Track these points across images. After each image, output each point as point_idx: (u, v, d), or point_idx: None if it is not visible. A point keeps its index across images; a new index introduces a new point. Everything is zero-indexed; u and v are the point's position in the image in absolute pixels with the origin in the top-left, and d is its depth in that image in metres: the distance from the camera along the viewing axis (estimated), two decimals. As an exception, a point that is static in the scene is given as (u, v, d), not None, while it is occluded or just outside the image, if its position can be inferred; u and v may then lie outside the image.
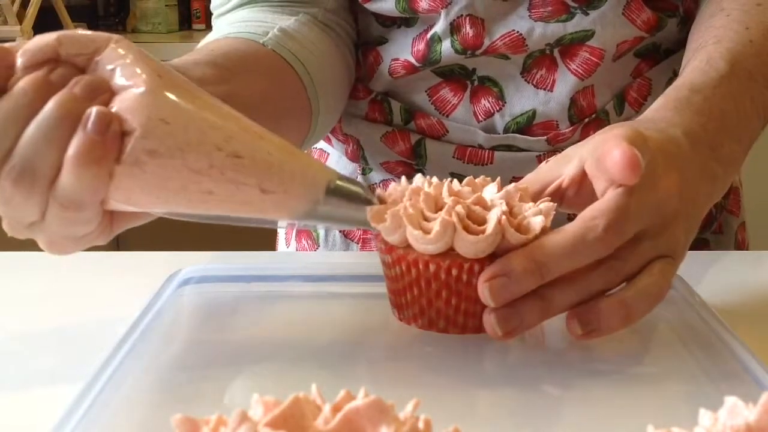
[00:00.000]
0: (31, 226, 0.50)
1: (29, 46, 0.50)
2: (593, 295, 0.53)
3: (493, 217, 0.52)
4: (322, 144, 0.93)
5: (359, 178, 0.88)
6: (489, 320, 0.52)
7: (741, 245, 0.91)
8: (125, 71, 0.50)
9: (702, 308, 0.60)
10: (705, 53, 0.70)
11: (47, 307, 0.66)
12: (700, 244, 0.87)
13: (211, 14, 0.83)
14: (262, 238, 1.21)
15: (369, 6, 0.82)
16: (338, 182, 0.53)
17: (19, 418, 0.51)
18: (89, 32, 0.51)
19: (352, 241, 0.90)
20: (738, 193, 0.92)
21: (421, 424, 0.35)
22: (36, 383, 0.55)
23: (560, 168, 0.58)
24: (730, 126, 0.64)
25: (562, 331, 0.55)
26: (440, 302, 0.54)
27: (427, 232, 0.52)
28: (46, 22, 2.52)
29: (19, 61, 0.50)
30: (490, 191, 0.55)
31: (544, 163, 0.59)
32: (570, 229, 0.52)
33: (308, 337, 0.60)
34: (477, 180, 0.56)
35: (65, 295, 0.67)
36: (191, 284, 0.66)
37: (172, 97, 0.50)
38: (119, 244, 2.56)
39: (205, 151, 0.50)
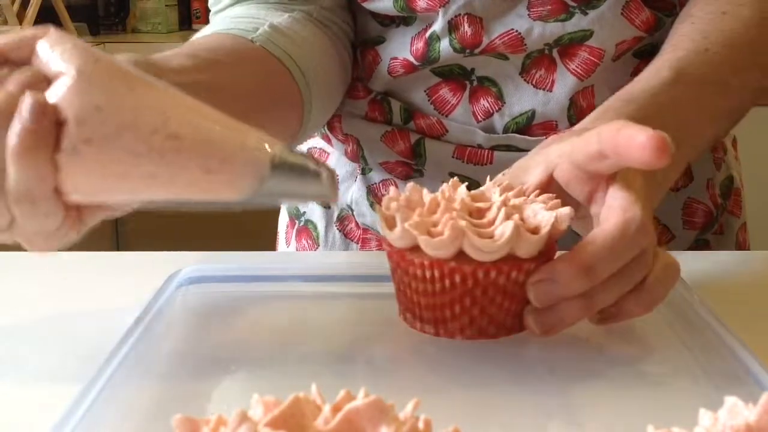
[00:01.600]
0: (8, 229, 0.51)
1: None
2: (626, 290, 0.54)
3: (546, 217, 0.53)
4: (321, 144, 0.93)
5: (359, 178, 0.88)
6: (529, 318, 0.54)
7: (742, 246, 0.92)
8: (61, 57, 0.50)
9: (702, 308, 0.60)
10: (656, 61, 0.72)
11: (47, 307, 0.66)
12: (701, 244, 0.87)
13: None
14: (263, 238, 1.21)
15: (367, 5, 0.82)
16: (283, 155, 0.51)
17: (19, 418, 0.51)
18: (31, 28, 0.52)
19: (352, 240, 0.90)
20: (739, 193, 0.92)
21: (421, 424, 0.35)
22: (36, 383, 0.55)
23: (520, 178, 0.58)
24: (667, 133, 0.64)
25: (562, 332, 0.55)
26: (494, 308, 0.54)
27: (490, 237, 0.52)
28: (46, 22, 2.51)
29: None
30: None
31: (500, 175, 0.60)
32: (609, 228, 0.53)
33: (308, 337, 0.60)
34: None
35: (65, 295, 0.67)
36: (191, 284, 0.66)
37: (105, 82, 0.49)
38: (119, 244, 2.56)
39: (141, 134, 0.49)
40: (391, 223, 0.53)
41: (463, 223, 0.51)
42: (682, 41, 0.73)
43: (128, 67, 0.52)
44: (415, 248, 0.53)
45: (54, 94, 0.49)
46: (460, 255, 0.52)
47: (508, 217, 0.53)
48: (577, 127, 0.65)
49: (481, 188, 0.57)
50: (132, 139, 0.49)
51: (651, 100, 0.66)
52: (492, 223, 0.53)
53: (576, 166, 0.56)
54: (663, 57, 0.72)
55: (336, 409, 0.35)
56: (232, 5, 0.81)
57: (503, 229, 0.52)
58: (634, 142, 0.52)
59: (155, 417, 0.50)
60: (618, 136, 0.53)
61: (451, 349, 0.56)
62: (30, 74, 0.50)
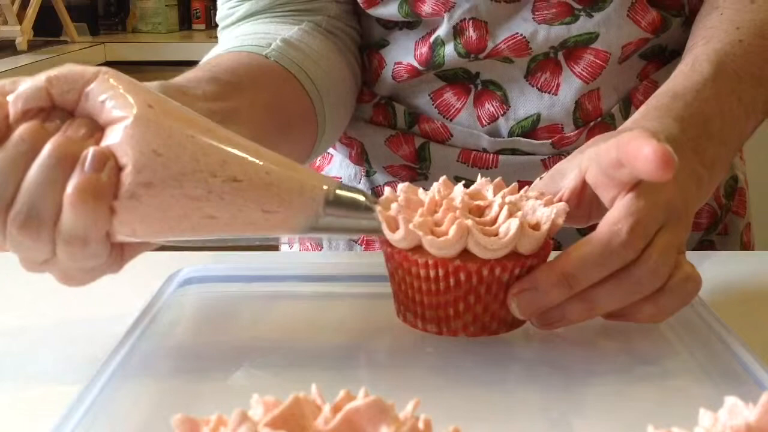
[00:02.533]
0: (44, 263, 0.52)
1: (21, 93, 0.51)
2: (635, 299, 0.53)
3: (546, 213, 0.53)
4: (325, 147, 0.93)
5: (362, 181, 0.88)
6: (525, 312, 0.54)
7: (746, 246, 0.91)
8: (116, 102, 0.50)
9: (702, 308, 0.60)
10: (692, 56, 0.70)
11: (47, 307, 0.66)
12: (705, 245, 0.87)
13: (210, 14, 0.84)
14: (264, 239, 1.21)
15: (372, 11, 0.81)
16: (337, 192, 0.53)
17: (20, 418, 0.51)
18: (78, 66, 0.52)
19: (356, 242, 0.89)
20: (744, 194, 0.92)
21: (421, 424, 0.35)
22: (36, 383, 0.55)
23: (556, 183, 0.58)
24: (713, 129, 0.64)
25: (562, 332, 0.55)
26: (496, 304, 0.54)
27: (494, 234, 0.52)
28: (46, 22, 2.52)
29: (12, 110, 0.51)
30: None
31: (538, 180, 0.59)
32: (594, 238, 0.53)
33: (308, 337, 0.60)
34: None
35: (65, 295, 0.67)
36: (191, 284, 0.66)
37: (163, 126, 0.50)
38: (119, 244, 2.56)
39: (201, 178, 0.50)
40: (393, 225, 0.53)
41: (468, 221, 0.52)
42: (715, 33, 0.72)
43: (180, 106, 0.52)
44: (418, 248, 0.53)
45: (111, 140, 0.49)
46: (464, 253, 0.52)
47: (510, 214, 0.53)
48: (621, 126, 0.64)
49: (475, 186, 0.56)
50: (191, 182, 0.50)
51: (695, 96, 0.65)
52: (495, 221, 0.53)
53: (602, 171, 0.55)
54: (697, 50, 0.70)
55: (336, 409, 0.35)
56: (241, 21, 0.81)
57: (508, 227, 0.52)
58: (640, 153, 0.52)
59: (155, 417, 0.50)
60: (629, 146, 0.53)
61: (451, 349, 0.56)
62: (87, 121, 0.51)
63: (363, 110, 0.86)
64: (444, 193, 0.55)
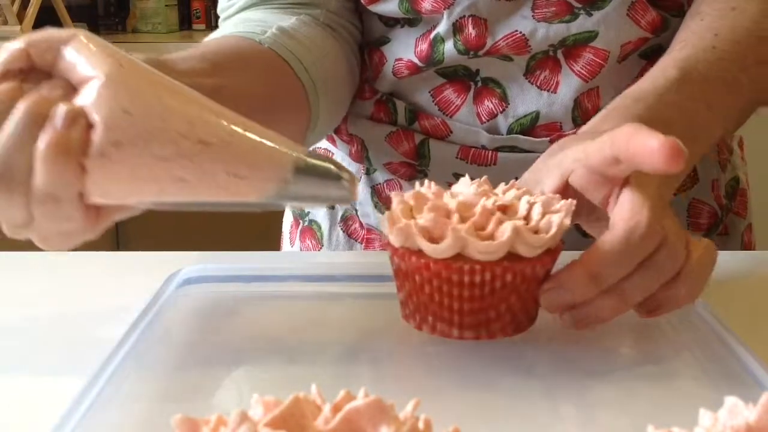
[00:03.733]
0: (24, 226, 0.52)
1: (0, 56, 0.51)
2: (660, 284, 0.54)
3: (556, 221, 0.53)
4: (326, 144, 0.93)
5: (363, 179, 0.88)
6: (565, 314, 0.54)
7: (747, 247, 0.91)
8: (88, 61, 0.50)
9: (702, 308, 0.60)
10: (664, 60, 0.71)
11: (47, 306, 0.66)
12: None
13: (210, 14, 0.84)
14: (265, 238, 1.21)
15: (372, 8, 0.82)
16: (307, 159, 0.52)
17: (20, 418, 0.51)
18: (57, 29, 0.52)
19: (356, 240, 0.90)
20: (745, 194, 0.92)
21: (421, 424, 0.35)
22: (36, 383, 0.55)
23: (534, 187, 0.58)
24: (675, 132, 0.64)
25: (562, 331, 0.55)
26: (531, 301, 0.55)
27: (535, 232, 0.53)
28: (46, 22, 2.51)
29: None
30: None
31: (513, 181, 0.60)
32: (614, 235, 0.53)
33: (308, 337, 0.60)
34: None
35: (65, 294, 0.67)
36: (191, 284, 0.66)
37: (133, 86, 0.50)
38: (119, 244, 2.56)
39: (170, 138, 0.50)
40: (429, 234, 0.53)
41: (519, 222, 0.52)
42: (691, 38, 0.72)
43: (153, 70, 0.52)
44: (458, 256, 0.53)
45: (83, 99, 0.49)
46: (507, 255, 0.53)
47: (544, 212, 0.53)
48: (584, 128, 0.65)
49: (459, 187, 0.56)
50: (161, 143, 0.50)
51: (658, 99, 0.66)
52: (529, 218, 0.54)
53: (591, 171, 0.56)
54: (671, 55, 0.71)
55: (336, 409, 0.35)
56: (240, 11, 0.81)
57: (549, 224, 0.53)
58: (646, 148, 0.52)
59: (155, 417, 0.50)
60: (631, 142, 0.53)
61: (452, 349, 0.56)
62: (63, 81, 0.51)
63: (364, 107, 0.86)
64: (437, 194, 0.55)
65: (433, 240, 0.52)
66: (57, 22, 2.58)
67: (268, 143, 0.52)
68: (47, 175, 0.49)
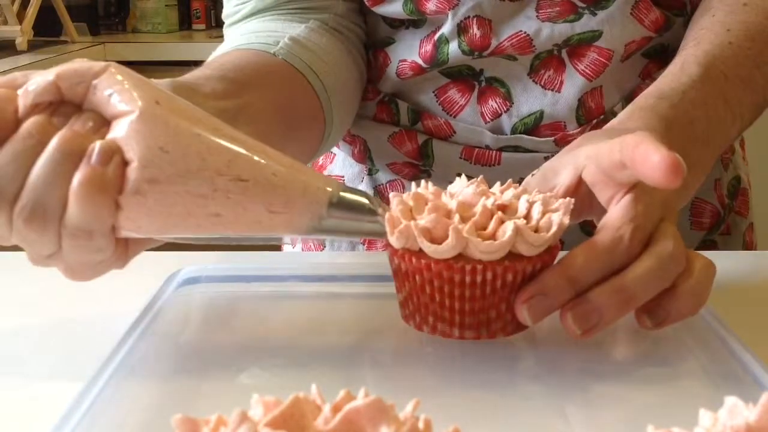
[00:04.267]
0: (50, 257, 0.52)
1: (30, 87, 0.51)
2: (664, 285, 0.54)
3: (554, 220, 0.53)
4: (328, 144, 0.93)
5: (365, 179, 0.88)
6: (566, 319, 0.53)
7: (749, 246, 0.91)
8: (122, 96, 0.50)
9: (703, 308, 0.60)
10: (681, 57, 0.71)
11: (47, 306, 0.66)
12: (707, 245, 0.87)
13: (210, 14, 0.84)
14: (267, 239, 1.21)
15: (377, 9, 0.82)
16: (341, 194, 0.53)
17: (20, 419, 0.51)
18: (88, 61, 0.52)
19: (358, 241, 0.90)
20: (746, 194, 0.92)
21: (421, 424, 0.35)
22: (36, 383, 0.55)
23: (549, 181, 0.58)
24: (698, 131, 0.64)
25: (562, 332, 0.55)
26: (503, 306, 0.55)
27: (535, 231, 0.53)
28: (46, 22, 2.52)
29: (21, 103, 0.51)
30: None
31: (529, 177, 0.60)
32: (598, 242, 0.53)
33: (309, 338, 0.60)
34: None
35: (65, 295, 0.67)
36: (191, 284, 0.66)
37: (170, 123, 0.50)
38: (119, 244, 2.56)
39: (207, 176, 0.50)
40: (430, 235, 0.53)
41: (519, 221, 0.52)
42: (706, 35, 0.72)
43: (187, 103, 0.52)
44: (459, 256, 0.53)
45: (118, 134, 0.49)
46: (507, 254, 0.53)
47: (544, 211, 0.53)
48: (610, 124, 0.65)
49: (456, 186, 0.56)
50: (197, 180, 0.50)
51: (682, 97, 0.65)
52: (529, 217, 0.54)
53: (601, 171, 0.56)
54: (687, 51, 0.71)
55: (336, 409, 0.35)
56: (247, 18, 0.81)
57: (549, 223, 0.53)
58: (648, 160, 0.52)
59: (155, 417, 0.50)
60: (636, 151, 0.53)
61: (452, 350, 0.56)
62: (95, 115, 0.51)
63: (367, 108, 0.86)
64: (437, 194, 0.55)
65: (434, 240, 0.52)
66: (57, 22, 2.58)
67: (303, 178, 0.52)
68: (82, 212, 0.49)
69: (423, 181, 0.57)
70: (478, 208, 0.53)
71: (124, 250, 0.53)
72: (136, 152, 0.49)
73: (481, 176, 0.57)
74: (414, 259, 0.53)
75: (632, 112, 0.64)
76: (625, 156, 0.53)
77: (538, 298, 0.53)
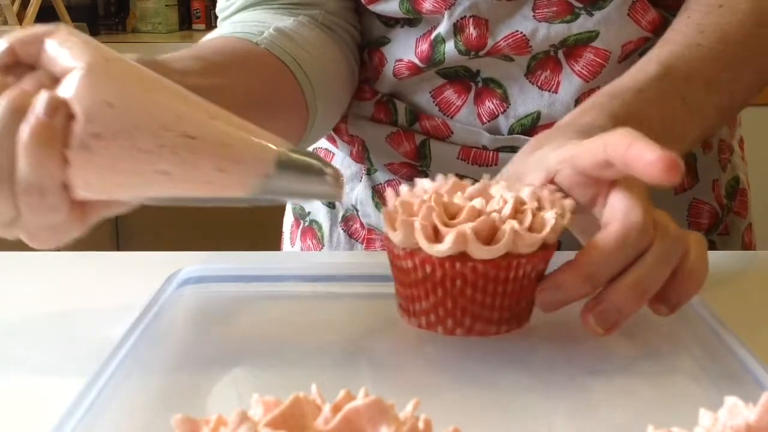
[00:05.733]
0: (11, 222, 0.52)
1: None
2: (670, 270, 0.54)
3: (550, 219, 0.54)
4: (326, 144, 0.93)
5: (364, 179, 0.88)
6: (590, 319, 0.54)
7: (747, 247, 0.91)
8: (71, 53, 0.50)
9: (702, 308, 0.60)
10: (647, 56, 0.72)
11: (47, 306, 0.66)
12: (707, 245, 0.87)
13: (210, 14, 0.84)
14: (265, 238, 1.21)
15: (373, 7, 0.82)
16: (290, 154, 0.52)
17: (20, 418, 0.51)
18: (41, 25, 0.53)
19: (357, 240, 0.90)
20: (745, 194, 0.92)
21: (421, 424, 0.35)
22: (36, 383, 0.55)
23: (517, 181, 0.58)
24: (650, 129, 0.64)
25: (562, 331, 0.55)
26: (532, 296, 0.56)
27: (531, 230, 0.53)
28: (46, 22, 2.52)
29: None
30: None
31: (492, 182, 0.60)
32: (611, 234, 0.53)
33: (308, 337, 0.60)
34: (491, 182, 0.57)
35: (65, 295, 0.67)
36: (191, 284, 0.66)
37: (116, 78, 0.50)
38: (119, 243, 2.56)
39: (153, 132, 0.50)
40: (430, 234, 0.53)
41: (515, 225, 0.52)
42: (675, 35, 0.73)
43: (139, 66, 0.52)
44: (505, 254, 0.53)
45: (64, 90, 0.49)
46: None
47: (550, 207, 0.54)
48: (562, 122, 0.65)
49: (440, 185, 0.56)
50: (144, 136, 0.50)
51: (636, 95, 0.66)
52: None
53: (579, 172, 0.56)
54: (654, 51, 0.72)
55: (336, 409, 0.35)
56: (239, 11, 0.81)
57: (545, 221, 0.53)
58: (643, 159, 0.52)
59: (155, 417, 0.50)
60: (628, 152, 0.53)
61: (452, 349, 0.56)
62: (45, 73, 0.51)
63: (364, 108, 0.86)
64: (441, 193, 0.55)
65: (486, 243, 0.53)
66: (57, 22, 2.58)
67: (252, 138, 0.52)
68: (30, 165, 0.49)
69: (441, 176, 0.57)
70: (508, 207, 0.53)
71: (81, 212, 0.53)
72: (81, 106, 0.49)
73: (450, 174, 0.57)
74: (458, 264, 0.53)
75: (584, 109, 0.65)
76: (613, 156, 0.54)
77: (552, 290, 0.54)
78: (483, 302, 0.54)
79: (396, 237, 0.53)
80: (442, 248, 0.52)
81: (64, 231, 0.53)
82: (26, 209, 0.51)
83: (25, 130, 0.49)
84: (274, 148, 0.52)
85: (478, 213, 0.53)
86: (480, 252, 0.52)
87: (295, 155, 0.52)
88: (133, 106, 0.50)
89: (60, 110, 0.49)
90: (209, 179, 0.51)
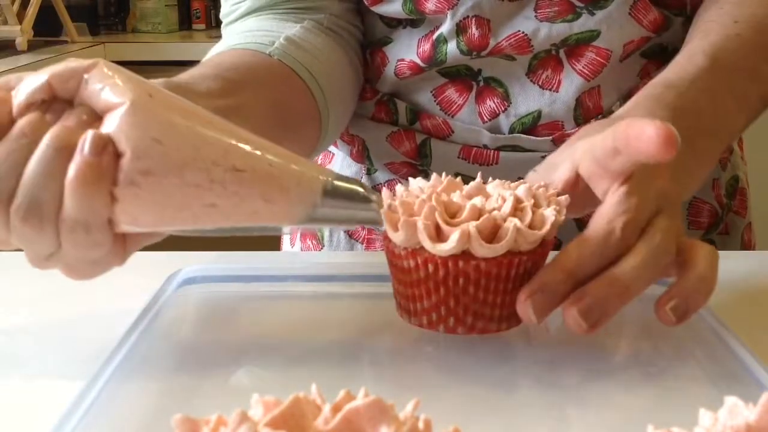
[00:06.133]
0: (49, 257, 0.52)
1: (23, 87, 0.52)
2: (657, 274, 0.54)
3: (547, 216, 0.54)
4: (327, 144, 0.93)
5: (364, 179, 0.88)
6: (572, 315, 0.53)
7: (747, 246, 0.91)
8: (114, 90, 0.50)
9: (702, 308, 0.60)
10: (688, 48, 0.71)
11: (47, 307, 0.66)
12: None
13: (210, 14, 0.84)
14: (265, 239, 1.21)
15: (376, 9, 0.82)
16: (335, 183, 0.53)
17: (20, 418, 0.51)
18: (79, 59, 0.52)
19: (357, 241, 0.90)
20: (745, 194, 0.92)
21: (421, 424, 0.35)
22: (36, 383, 0.55)
23: (549, 176, 0.58)
24: (705, 121, 0.64)
25: (562, 332, 0.55)
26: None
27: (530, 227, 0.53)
28: (46, 22, 2.52)
29: (15, 103, 0.51)
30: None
31: (531, 172, 0.60)
32: (591, 235, 0.53)
33: (308, 337, 0.60)
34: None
35: (65, 295, 0.67)
36: (191, 284, 0.66)
37: (162, 114, 0.50)
38: (119, 244, 2.56)
39: (202, 167, 0.50)
40: (433, 233, 0.53)
41: (518, 222, 0.52)
42: (713, 26, 0.72)
43: (181, 99, 0.52)
44: (507, 252, 0.53)
45: (109, 127, 0.49)
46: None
47: (546, 203, 0.54)
48: (613, 115, 0.64)
49: (434, 184, 0.56)
50: (193, 172, 0.50)
51: (689, 87, 0.65)
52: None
53: (595, 163, 0.55)
54: (695, 42, 0.71)
55: (336, 409, 0.35)
56: (244, 17, 0.81)
57: (545, 217, 0.53)
58: (643, 134, 0.51)
59: (155, 417, 0.50)
60: (628, 130, 0.52)
61: (452, 349, 0.56)
62: (86, 110, 0.51)
63: (365, 107, 0.86)
64: (440, 191, 0.55)
65: (488, 241, 0.53)
66: (57, 22, 2.58)
67: (297, 168, 0.53)
68: (78, 204, 0.49)
69: (435, 175, 0.57)
70: (508, 204, 0.53)
71: (122, 245, 0.53)
72: (129, 143, 0.49)
73: (537, 172, 0.58)
74: (461, 263, 0.53)
75: (638, 102, 0.64)
76: (618, 139, 0.53)
77: (539, 294, 0.53)
78: (485, 300, 0.54)
79: (398, 237, 0.54)
80: (447, 247, 0.52)
81: (105, 264, 0.53)
82: (70, 246, 0.51)
83: (72, 170, 0.49)
84: (320, 177, 0.53)
85: (479, 211, 0.53)
86: (483, 250, 0.52)
87: (340, 183, 0.53)
88: (181, 141, 0.50)
89: (107, 148, 0.49)
90: (256, 210, 0.52)
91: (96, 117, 0.51)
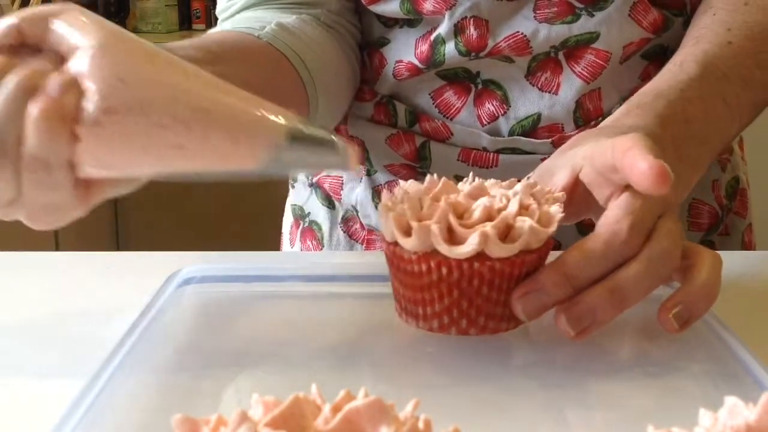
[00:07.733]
0: (11, 204, 0.51)
1: None
2: (656, 283, 0.54)
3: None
4: (326, 146, 0.93)
5: (364, 179, 0.88)
6: (561, 320, 0.53)
7: (747, 247, 0.91)
8: (81, 31, 0.50)
9: (703, 310, 0.60)
10: (680, 55, 0.71)
11: (47, 307, 0.66)
12: (706, 245, 0.87)
13: (210, 14, 0.84)
14: (265, 239, 1.21)
15: (373, 8, 0.82)
16: (300, 126, 0.53)
17: (20, 418, 0.51)
18: (47, 5, 0.52)
19: (357, 241, 0.90)
20: (745, 194, 0.92)
21: (421, 424, 0.35)
22: (36, 383, 0.55)
23: (545, 181, 0.58)
24: (694, 129, 0.64)
25: (561, 332, 0.55)
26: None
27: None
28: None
29: None
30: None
31: (525, 179, 0.60)
32: (596, 238, 0.53)
33: (308, 337, 0.60)
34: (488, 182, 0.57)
35: (65, 294, 0.67)
36: (191, 284, 0.66)
37: (127, 54, 0.50)
38: (119, 243, 2.56)
39: (167, 105, 0.50)
40: (451, 237, 0.53)
41: (531, 222, 0.52)
42: (705, 34, 0.72)
43: (149, 43, 0.52)
44: (519, 252, 0.53)
45: (75, 67, 0.49)
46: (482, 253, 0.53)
47: (544, 202, 0.54)
48: (606, 122, 0.65)
49: (429, 186, 0.56)
50: (158, 110, 0.50)
51: (679, 95, 0.66)
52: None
53: (596, 171, 0.56)
54: (686, 50, 0.71)
55: (336, 409, 0.35)
56: (240, 11, 0.81)
57: (551, 215, 0.54)
58: (636, 167, 0.52)
59: (155, 417, 0.50)
60: (624, 158, 0.53)
61: (452, 349, 0.56)
62: (53, 55, 0.51)
63: (364, 109, 0.86)
64: (443, 192, 0.55)
65: (501, 240, 0.53)
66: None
67: (263, 109, 0.52)
68: (39, 141, 0.49)
69: (429, 177, 0.57)
70: (514, 204, 0.54)
71: (85, 191, 0.52)
72: (93, 83, 0.49)
73: (531, 178, 0.58)
74: (476, 264, 0.53)
75: (628, 109, 0.65)
76: (615, 160, 0.54)
77: (533, 294, 0.53)
78: (497, 300, 0.54)
79: (410, 242, 0.53)
80: (465, 249, 0.52)
81: (66, 211, 0.52)
82: (30, 186, 0.50)
83: (35, 108, 0.49)
84: (285, 120, 0.52)
85: (490, 212, 0.53)
86: (499, 250, 0.52)
87: (306, 127, 0.53)
88: (146, 81, 0.50)
89: (71, 88, 0.49)
90: (221, 151, 0.51)
91: (62, 61, 0.50)
